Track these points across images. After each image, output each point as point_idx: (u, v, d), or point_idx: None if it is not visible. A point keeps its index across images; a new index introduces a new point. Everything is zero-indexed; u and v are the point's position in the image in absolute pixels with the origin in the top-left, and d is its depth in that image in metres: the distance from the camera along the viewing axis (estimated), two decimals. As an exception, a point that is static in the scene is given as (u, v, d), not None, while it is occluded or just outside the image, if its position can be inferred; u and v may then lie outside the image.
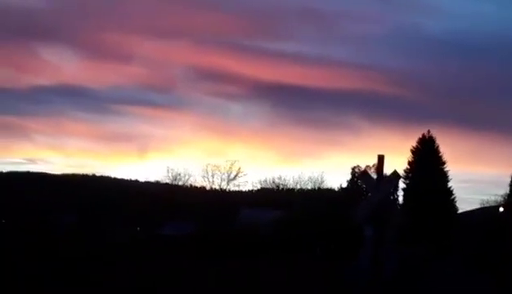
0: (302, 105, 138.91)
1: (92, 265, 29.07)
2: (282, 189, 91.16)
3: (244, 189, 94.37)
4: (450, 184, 74.22)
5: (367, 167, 61.51)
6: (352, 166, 76.23)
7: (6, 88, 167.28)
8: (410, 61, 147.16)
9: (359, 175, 68.14)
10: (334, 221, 53.48)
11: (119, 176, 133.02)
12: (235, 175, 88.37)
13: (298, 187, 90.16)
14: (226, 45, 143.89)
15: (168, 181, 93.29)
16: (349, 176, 76.32)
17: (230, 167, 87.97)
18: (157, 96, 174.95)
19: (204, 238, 51.29)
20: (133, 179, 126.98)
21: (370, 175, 17.27)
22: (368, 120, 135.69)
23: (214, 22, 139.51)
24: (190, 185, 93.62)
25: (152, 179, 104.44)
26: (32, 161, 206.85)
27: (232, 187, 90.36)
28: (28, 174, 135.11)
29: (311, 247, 53.21)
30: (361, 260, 15.82)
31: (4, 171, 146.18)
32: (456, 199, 75.44)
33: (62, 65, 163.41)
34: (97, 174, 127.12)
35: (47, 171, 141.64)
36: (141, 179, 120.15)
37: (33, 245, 38.93)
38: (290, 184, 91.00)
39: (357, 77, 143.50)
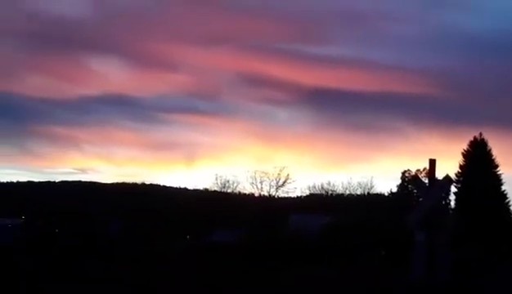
0: (347, 109, 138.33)
1: (151, 275, 28.99)
2: (331, 194, 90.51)
3: (292, 196, 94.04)
4: (503, 188, 72.53)
5: (418, 171, 60.60)
6: (402, 170, 75.13)
7: (56, 99, 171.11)
8: (455, 62, 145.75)
9: (410, 180, 67.13)
10: (386, 227, 52.78)
11: (167, 184, 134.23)
12: (284, 182, 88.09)
13: (348, 192, 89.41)
14: (271, 51, 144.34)
15: (216, 189, 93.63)
16: (399, 181, 75.21)
17: (278, 174, 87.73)
18: (203, 104, 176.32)
19: (255, 246, 51.08)
20: (182, 187, 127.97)
21: (421, 180, 17.02)
22: (415, 123, 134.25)
23: (259, 28, 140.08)
24: (239, 192, 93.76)
25: (201, 186, 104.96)
26: (82, 170, 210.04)
27: (281, 193, 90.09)
28: (79, 183, 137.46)
29: (362, 253, 52.52)
30: (414, 266, 15.51)
31: (56, 180, 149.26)
32: (511, 203, 73.70)
33: (109, 75, 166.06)
34: (146, 182, 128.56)
35: (97, 181, 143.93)
36: (190, 187, 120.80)
37: (89, 253, 39.37)
38: (339, 189, 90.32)
39: (402, 79, 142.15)
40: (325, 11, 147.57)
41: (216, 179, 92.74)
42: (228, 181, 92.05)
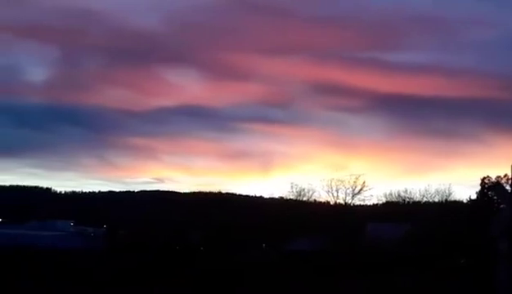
0: (424, 116, 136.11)
1: (234, 283, 29.30)
2: (408, 202, 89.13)
3: (369, 203, 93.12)
4: None
5: (499, 177, 58.99)
6: (482, 177, 73.25)
7: (134, 111, 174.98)
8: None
9: (491, 187, 65.40)
10: (466, 235, 51.68)
11: (243, 193, 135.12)
12: (360, 190, 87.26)
13: (425, 200, 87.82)
14: (344, 58, 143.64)
15: (292, 197, 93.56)
16: (478, 188, 73.34)
17: (354, 181, 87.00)
18: (277, 113, 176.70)
19: (334, 254, 50.94)
20: (258, 195, 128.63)
21: (503, 187, 16.70)
22: (494, 129, 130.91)
23: (331, 36, 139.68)
24: (315, 201, 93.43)
25: (276, 195, 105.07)
26: (160, 180, 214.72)
27: (357, 201, 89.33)
28: (157, 193, 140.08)
29: (442, 262, 51.60)
30: (497, 276, 15.23)
31: (136, 190, 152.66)
32: None
33: (185, 86, 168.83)
34: (223, 191, 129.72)
35: (174, 190, 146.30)
36: (266, 195, 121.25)
37: (172, 263, 40.09)
38: (416, 197, 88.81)
39: (478, 84, 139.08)
40: (400, 17, 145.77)
41: (291, 187, 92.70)
42: (304, 189, 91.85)
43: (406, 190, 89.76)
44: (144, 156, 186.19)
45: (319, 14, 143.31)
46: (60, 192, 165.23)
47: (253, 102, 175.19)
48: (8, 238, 60.25)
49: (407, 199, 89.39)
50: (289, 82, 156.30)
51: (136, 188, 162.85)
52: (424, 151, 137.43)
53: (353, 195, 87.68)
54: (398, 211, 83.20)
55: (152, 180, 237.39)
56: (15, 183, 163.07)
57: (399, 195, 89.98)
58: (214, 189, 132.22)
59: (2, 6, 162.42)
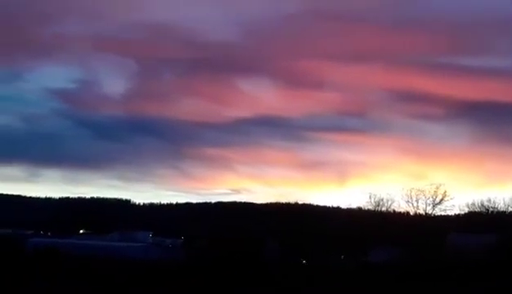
0: (506, 122, 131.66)
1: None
2: (492, 212, 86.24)
3: (450, 214, 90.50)
4: None
5: None
6: None
7: (209, 122, 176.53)
8: None
9: None
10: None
11: (320, 204, 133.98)
12: (441, 200, 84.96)
13: (510, 209, 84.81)
14: (422, 64, 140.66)
15: (370, 207, 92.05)
16: None
17: (435, 191, 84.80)
18: (353, 121, 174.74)
19: (415, 265, 49.65)
20: (335, 205, 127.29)
21: None
22: None
23: (408, 41, 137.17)
24: (394, 211, 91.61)
25: (354, 205, 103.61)
26: (236, 191, 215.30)
27: (438, 212, 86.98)
28: (234, 204, 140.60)
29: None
30: None
31: (212, 201, 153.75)
32: None
33: (260, 96, 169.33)
34: (299, 202, 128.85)
35: (250, 201, 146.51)
36: (343, 206, 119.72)
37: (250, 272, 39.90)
38: (501, 206, 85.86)
39: None
40: (480, 21, 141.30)
41: (370, 197, 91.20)
42: (382, 200, 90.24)
43: (489, 200, 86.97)
44: (220, 166, 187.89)
45: (395, 19, 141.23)
46: (139, 203, 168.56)
47: (329, 111, 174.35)
48: (91, 249, 61.56)
49: (491, 209, 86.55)
50: (366, 90, 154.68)
51: (213, 199, 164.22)
52: (509, 159, 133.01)
53: (434, 205, 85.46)
54: (482, 221, 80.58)
55: (228, 191, 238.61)
56: (95, 195, 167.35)
57: (482, 205, 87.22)
58: (291, 199, 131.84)
59: (80, 21, 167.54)
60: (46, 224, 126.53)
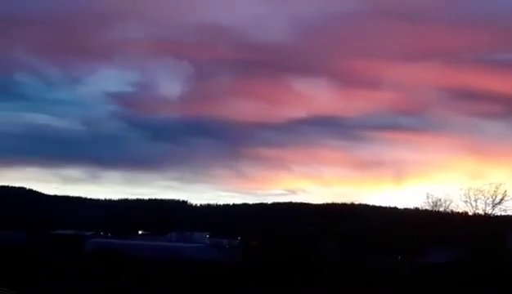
0: None
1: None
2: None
3: (511, 214, 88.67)
4: None
5: None
6: None
7: (265, 122, 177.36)
8: None
9: None
10: None
11: (377, 204, 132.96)
12: (501, 199, 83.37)
13: None
14: (480, 62, 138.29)
15: (427, 208, 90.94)
16: None
17: (494, 191, 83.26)
18: (410, 120, 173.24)
19: (475, 267, 48.96)
20: (392, 206, 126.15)
21: None
22: None
23: (467, 39, 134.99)
24: (452, 211, 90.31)
25: (411, 205, 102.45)
26: (292, 191, 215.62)
27: (498, 212, 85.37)
28: (290, 205, 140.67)
29: None
30: None
31: (268, 202, 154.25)
32: None
33: (315, 96, 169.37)
34: (356, 202, 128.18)
35: (306, 201, 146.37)
36: (400, 206, 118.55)
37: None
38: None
39: None
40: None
41: (427, 197, 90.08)
42: (440, 200, 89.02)
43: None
44: (276, 167, 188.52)
45: (452, 18, 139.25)
46: (196, 204, 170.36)
47: (385, 110, 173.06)
48: (150, 250, 62.76)
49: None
50: (422, 88, 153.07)
51: (269, 200, 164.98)
52: None
53: (494, 205, 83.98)
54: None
55: (284, 192, 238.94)
56: (153, 196, 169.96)
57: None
58: (346, 199, 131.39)
59: (136, 25, 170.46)
60: (105, 225, 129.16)
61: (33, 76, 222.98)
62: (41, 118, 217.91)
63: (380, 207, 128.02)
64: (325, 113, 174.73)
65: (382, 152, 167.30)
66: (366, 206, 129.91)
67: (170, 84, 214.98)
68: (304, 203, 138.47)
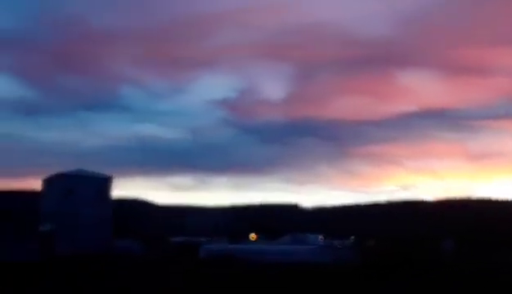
0: None
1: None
2: None
3: None
4: None
5: None
6: None
7: (373, 119, 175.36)
8: None
9: None
10: None
11: (493, 197, 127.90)
12: None
13: None
14: None
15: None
16: None
17: None
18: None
19: None
20: (510, 199, 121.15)
21: None
22: None
23: None
24: None
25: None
26: (404, 187, 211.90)
27: None
28: (403, 202, 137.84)
29: None
30: None
31: (381, 200, 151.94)
32: None
33: (423, 88, 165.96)
34: (472, 197, 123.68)
35: (421, 198, 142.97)
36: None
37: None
38: None
39: None
40: None
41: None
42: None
43: None
44: (386, 163, 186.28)
45: None
46: (307, 206, 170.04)
47: (497, 98, 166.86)
48: (264, 254, 62.91)
49: None
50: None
51: (381, 197, 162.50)
52: None
53: None
54: None
55: (396, 188, 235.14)
56: (263, 200, 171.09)
57: None
58: (461, 193, 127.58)
59: (236, 30, 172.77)
60: (217, 231, 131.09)
61: (137, 88, 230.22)
62: (148, 129, 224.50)
63: (496, 201, 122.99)
64: (435, 106, 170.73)
65: (497, 142, 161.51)
66: (482, 200, 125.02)
67: (274, 87, 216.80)
68: (418, 201, 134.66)
